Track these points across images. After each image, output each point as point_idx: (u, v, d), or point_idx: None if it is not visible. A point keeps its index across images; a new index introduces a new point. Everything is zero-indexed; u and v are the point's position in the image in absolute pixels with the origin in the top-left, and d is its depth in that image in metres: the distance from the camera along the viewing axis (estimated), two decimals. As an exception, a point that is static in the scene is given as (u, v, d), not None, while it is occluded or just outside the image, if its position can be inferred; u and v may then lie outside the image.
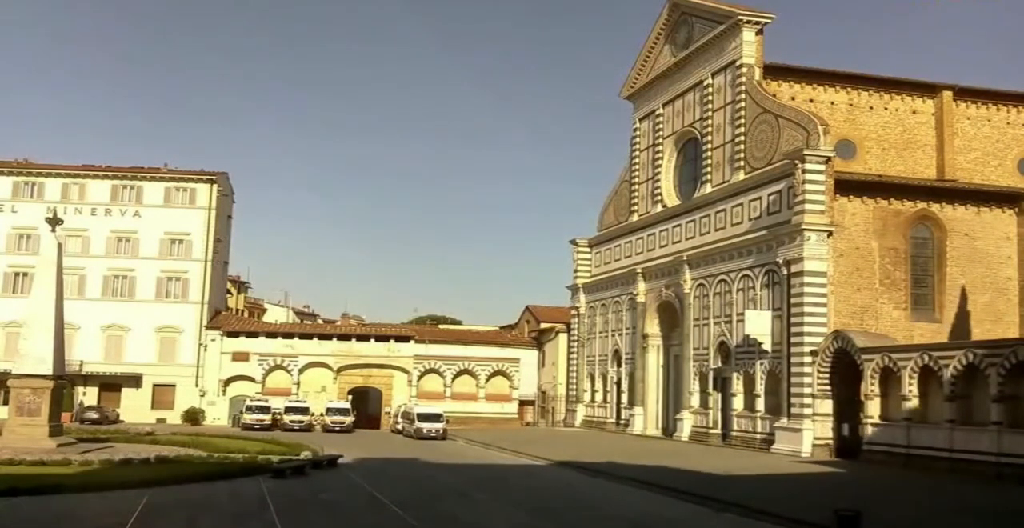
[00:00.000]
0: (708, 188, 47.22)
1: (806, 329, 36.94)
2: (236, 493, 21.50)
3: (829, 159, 38.13)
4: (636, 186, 55.93)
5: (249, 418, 53.69)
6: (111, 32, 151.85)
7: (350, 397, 62.38)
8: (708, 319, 45.44)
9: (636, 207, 55.69)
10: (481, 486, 24.96)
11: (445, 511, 19.53)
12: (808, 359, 36.55)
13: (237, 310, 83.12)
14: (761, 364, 40.21)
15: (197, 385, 62.07)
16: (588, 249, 62.00)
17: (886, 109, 46.08)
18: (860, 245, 39.22)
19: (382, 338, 65.91)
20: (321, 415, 56.78)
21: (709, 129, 48.01)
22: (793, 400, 37.17)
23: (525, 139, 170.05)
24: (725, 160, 45.98)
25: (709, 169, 47.53)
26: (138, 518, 16.80)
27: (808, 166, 37.72)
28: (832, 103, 45.36)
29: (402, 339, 65.92)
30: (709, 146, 47.83)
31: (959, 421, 29.67)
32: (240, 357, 63.07)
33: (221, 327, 63.74)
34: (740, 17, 44.60)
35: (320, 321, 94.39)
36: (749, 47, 44.68)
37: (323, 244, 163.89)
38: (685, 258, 47.21)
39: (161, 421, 58.31)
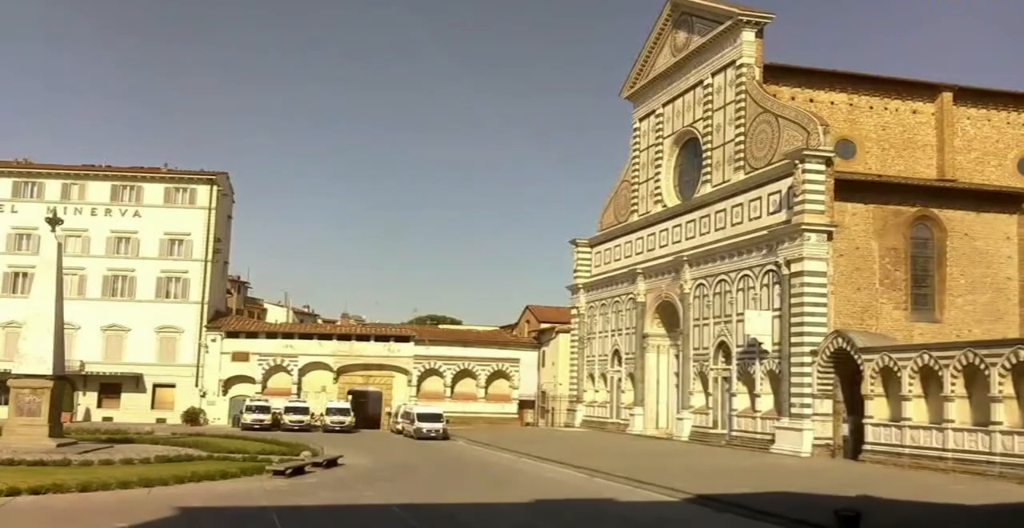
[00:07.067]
0: (708, 188, 47.22)
1: (806, 329, 36.93)
2: (236, 493, 21.48)
3: (829, 159, 38.12)
4: (636, 186, 55.93)
5: (249, 418, 53.74)
6: (111, 32, 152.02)
7: (350, 397, 62.37)
8: (708, 319, 45.44)
9: (636, 207, 55.68)
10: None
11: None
12: (808, 359, 36.54)
13: (237, 310, 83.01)
14: (761, 364, 40.21)
15: (197, 385, 62.06)
16: (588, 249, 61.98)
17: (886, 109, 46.02)
18: (860, 245, 39.20)
19: (382, 338, 65.88)
20: (321, 415, 56.80)
21: (709, 129, 48.00)
22: (793, 400, 37.16)
23: (525, 139, 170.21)
24: (725, 160, 45.97)
25: (709, 169, 47.52)
26: (138, 518, 16.78)
27: (808, 166, 37.72)
28: (832, 103, 45.31)
29: (402, 339, 65.89)
30: (709, 146, 47.82)
31: (959, 421, 29.68)
32: (240, 357, 63.06)
33: (221, 327, 63.73)
34: (740, 17, 44.58)
35: (320, 321, 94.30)
36: (749, 47, 44.66)
37: (323, 244, 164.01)
38: (685, 258, 47.21)
39: (161, 421, 58.32)
